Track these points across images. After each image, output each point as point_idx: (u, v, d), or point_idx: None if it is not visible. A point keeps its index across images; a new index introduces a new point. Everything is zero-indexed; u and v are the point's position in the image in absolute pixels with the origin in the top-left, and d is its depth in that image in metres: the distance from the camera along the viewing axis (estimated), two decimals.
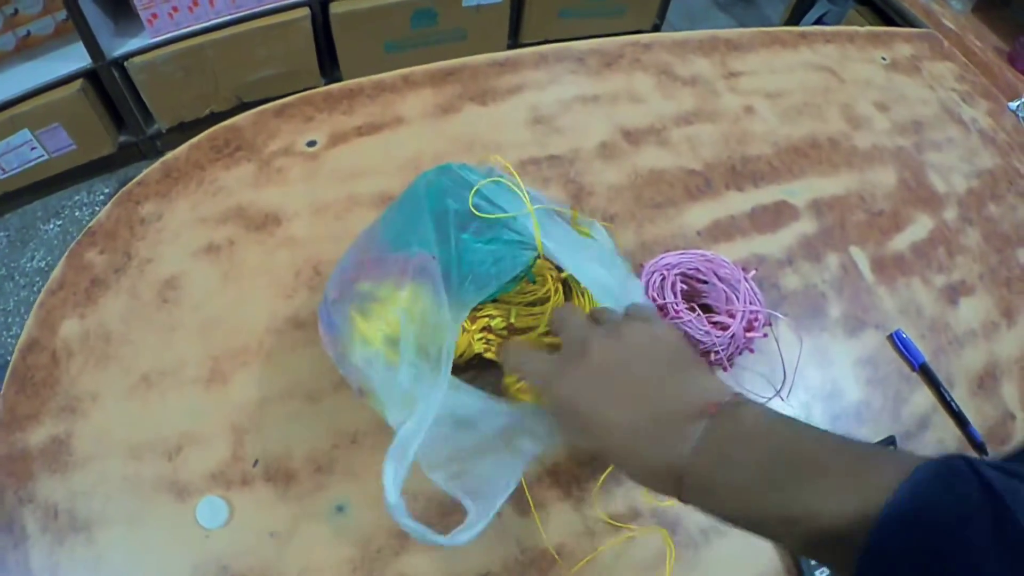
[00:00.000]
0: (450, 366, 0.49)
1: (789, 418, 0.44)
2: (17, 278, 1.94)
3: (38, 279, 1.93)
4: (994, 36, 1.63)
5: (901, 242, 0.96)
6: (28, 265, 1.96)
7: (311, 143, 0.88)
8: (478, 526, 0.48)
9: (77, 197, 2.09)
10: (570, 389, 0.47)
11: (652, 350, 0.48)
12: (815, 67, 1.17)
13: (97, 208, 2.05)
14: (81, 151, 1.98)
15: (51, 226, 2.04)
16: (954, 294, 0.93)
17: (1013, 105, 1.29)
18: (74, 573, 0.59)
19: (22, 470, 0.62)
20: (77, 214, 2.06)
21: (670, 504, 0.68)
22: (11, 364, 0.68)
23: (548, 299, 0.66)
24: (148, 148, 2.09)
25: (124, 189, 0.82)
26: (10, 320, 1.87)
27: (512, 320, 0.65)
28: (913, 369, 0.84)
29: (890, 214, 0.99)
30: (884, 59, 1.24)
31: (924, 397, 0.82)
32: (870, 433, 0.78)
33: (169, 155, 0.85)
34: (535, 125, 0.95)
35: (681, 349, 0.49)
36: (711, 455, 0.42)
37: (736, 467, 0.41)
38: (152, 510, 0.62)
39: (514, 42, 2.34)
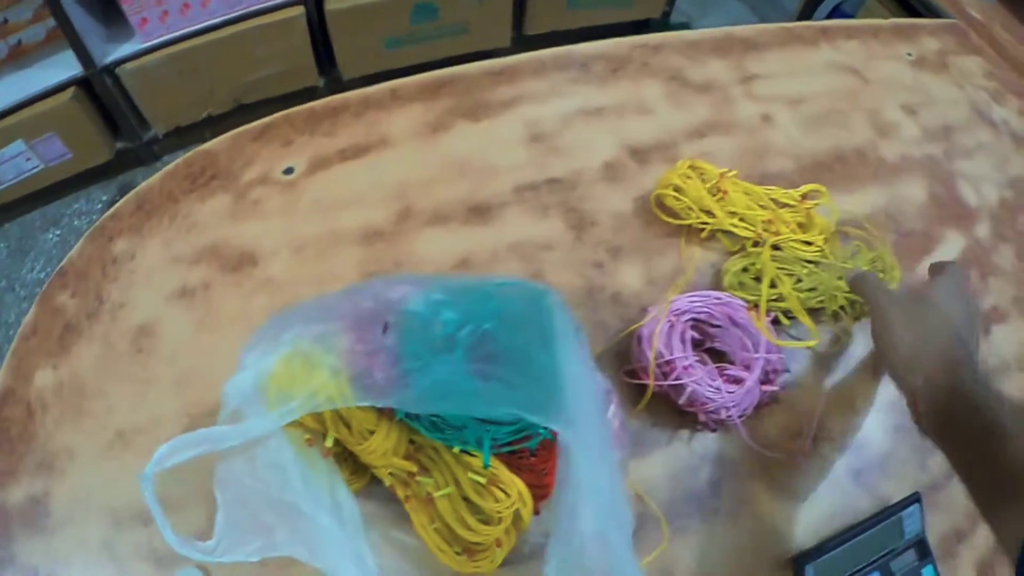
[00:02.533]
0: (290, 418, 0.48)
1: None
2: (18, 289, 1.92)
3: (39, 290, 1.90)
4: (1022, 27, 1.54)
5: None
6: (29, 276, 1.94)
7: (288, 171, 0.82)
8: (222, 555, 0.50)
9: (76, 205, 2.06)
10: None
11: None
12: (838, 67, 1.10)
13: (95, 216, 2.03)
14: (77, 159, 1.94)
15: (51, 235, 2.01)
16: (986, 322, 0.86)
17: None
18: None
19: (1, 530, 0.60)
20: (76, 223, 2.03)
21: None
22: None
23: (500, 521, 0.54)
24: (146, 154, 2.05)
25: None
26: (12, 333, 1.84)
27: (436, 496, 0.54)
28: None
29: (920, 233, 0.91)
30: (909, 55, 1.17)
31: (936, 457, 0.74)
32: (894, 488, 0.71)
33: (143, 185, 0.81)
34: (533, 144, 0.89)
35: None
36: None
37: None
38: None
39: (518, 35, 2.26)
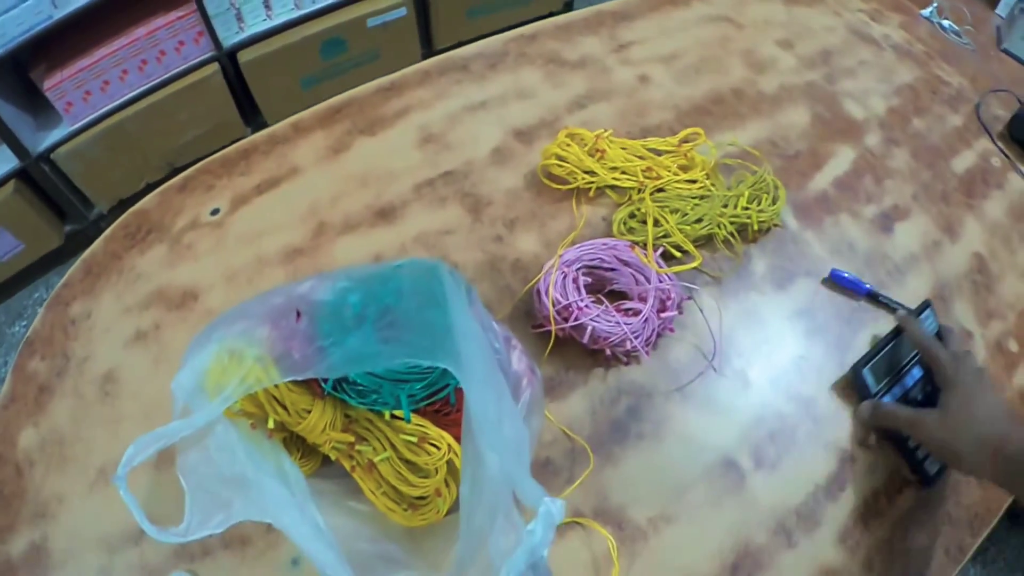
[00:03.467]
0: (227, 404, 0.53)
1: None
2: None
3: None
4: None
5: (822, 180, 0.96)
6: (3, 371, 1.94)
7: (215, 211, 0.88)
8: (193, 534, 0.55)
9: (36, 295, 2.09)
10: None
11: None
12: (710, 19, 1.17)
13: None
14: (30, 249, 1.97)
15: (17, 328, 2.03)
16: (887, 221, 0.92)
17: (926, 12, 1.29)
18: None
19: None
20: (39, 311, 2.04)
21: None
22: None
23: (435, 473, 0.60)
24: (95, 232, 2.08)
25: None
26: None
27: (376, 461, 0.60)
28: (860, 297, 0.85)
29: (807, 153, 0.98)
30: None
31: (866, 337, 0.82)
32: (813, 388, 0.78)
33: (87, 252, 0.87)
34: (425, 145, 0.95)
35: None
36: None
37: None
38: None
39: (428, 51, 2.32)
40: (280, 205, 0.89)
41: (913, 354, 0.79)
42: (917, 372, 0.78)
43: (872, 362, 0.77)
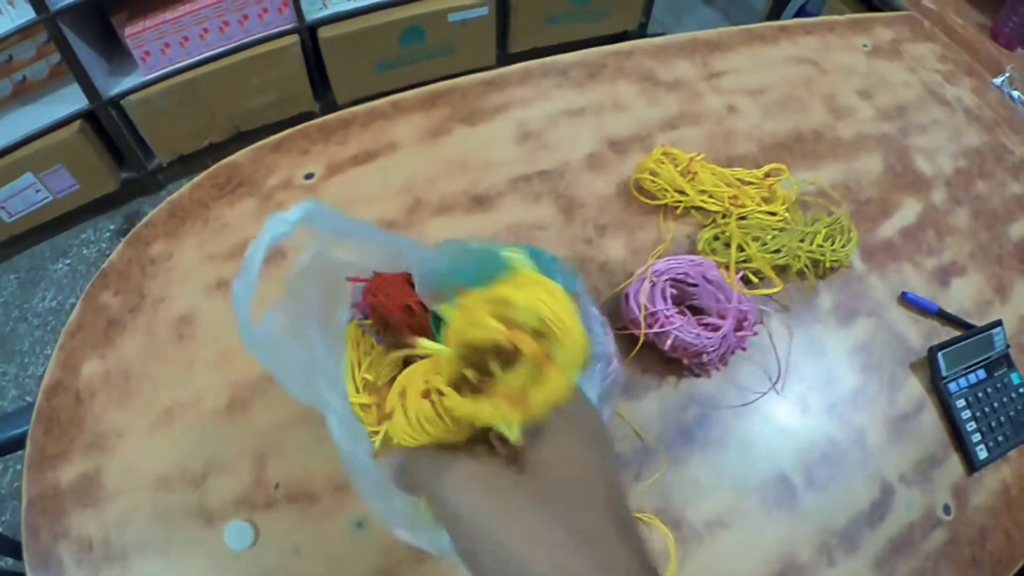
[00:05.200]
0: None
1: None
2: (31, 319, 1.98)
3: (51, 318, 1.97)
4: (975, 12, 1.63)
5: (889, 228, 0.98)
6: (40, 305, 2.00)
7: (308, 175, 0.91)
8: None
9: (84, 235, 2.12)
10: None
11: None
12: (796, 60, 1.19)
13: (104, 245, 2.09)
14: (84, 190, 2.01)
15: (60, 265, 2.07)
16: (945, 275, 0.95)
17: (998, 80, 1.31)
18: None
19: (55, 507, 0.65)
20: (85, 252, 2.09)
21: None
22: (36, 406, 0.71)
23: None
24: (150, 183, 2.12)
25: (133, 231, 0.85)
26: (27, 360, 1.90)
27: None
28: (931, 315, 0.90)
29: (878, 201, 1.01)
30: (865, 46, 1.26)
31: (917, 381, 0.85)
32: (866, 418, 0.80)
33: (174, 195, 0.88)
34: (523, 142, 0.98)
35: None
36: None
37: None
38: (182, 537, 0.65)
39: (502, 52, 2.35)
40: (376, 177, 0.92)
41: (986, 355, 0.85)
42: (982, 373, 0.85)
43: (949, 348, 0.84)
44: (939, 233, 0.99)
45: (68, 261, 2.08)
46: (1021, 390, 0.86)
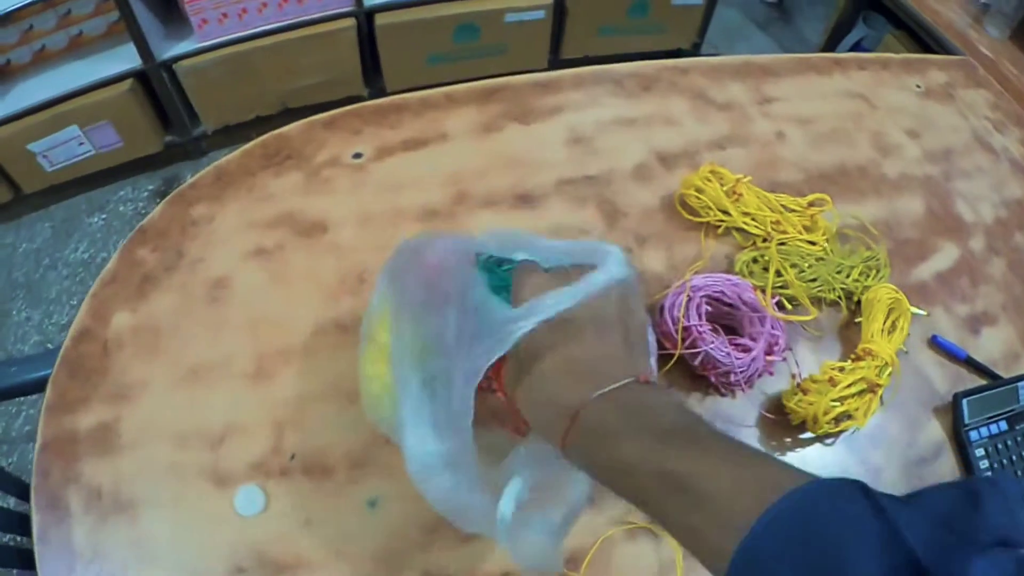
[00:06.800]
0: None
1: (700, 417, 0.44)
2: (60, 268, 2.01)
3: (80, 270, 2.00)
4: None
5: (926, 270, 0.97)
6: (72, 256, 2.04)
7: (357, 155, 0.92)
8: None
9: (121, 192, 2.15)
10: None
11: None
12: (848, 94, 1.19)
13: (141, 204, 2.12)
14: (127, 148, 2.04)
15: (95, 219, 2.11)
16: (976, 324, 0.94)
17: None
18: (115, 552, 0.62)
19: (69, 451, 0.66)
20: (121, 209, 2.13)
21: None
22: (62, 350, 0.73)
23: None
24: (193, 149, 2.15)
25: (177, 191, 0.86)
26: (52, 308, 1.93)
27: None
28: (959, 362, 0.89)
29: (916, 243, 1.00)
30: (919, 87, 1.25)
31: (938, 425, 0.84)
32: (883, 458, 0.80)
33: (222, 160, 0.90)
34: (573, 145, 0.99)
35: (636, 325, 0.50)
36: (616, 403, 0.43)
37: (638, 421, 0.42)
38: (193, 496, 0.66)
39: (555, 58, 2.36)
40: (424, 165, 0.93)
41: (1010, 408, 0.85)
42: (1004, 425, 0.84)
43: (974, 396, 0.84)
44: (973, 281, 0.98)
45: (104, 216, 2.11)
46: None
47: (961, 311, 0.94)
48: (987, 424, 0.83)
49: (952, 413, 0.84)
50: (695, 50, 2.55)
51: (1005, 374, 0.89)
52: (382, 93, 2.13)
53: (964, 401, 0.83)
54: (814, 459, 0.78)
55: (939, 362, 0.89)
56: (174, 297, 0.78)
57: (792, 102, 1.14)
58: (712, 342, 0.74)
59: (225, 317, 0.77)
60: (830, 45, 2.41)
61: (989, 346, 0.92)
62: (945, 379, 0.87)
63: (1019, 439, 0.84)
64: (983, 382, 0.88)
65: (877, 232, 0.98)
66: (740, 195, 0.91)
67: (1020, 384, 0.86)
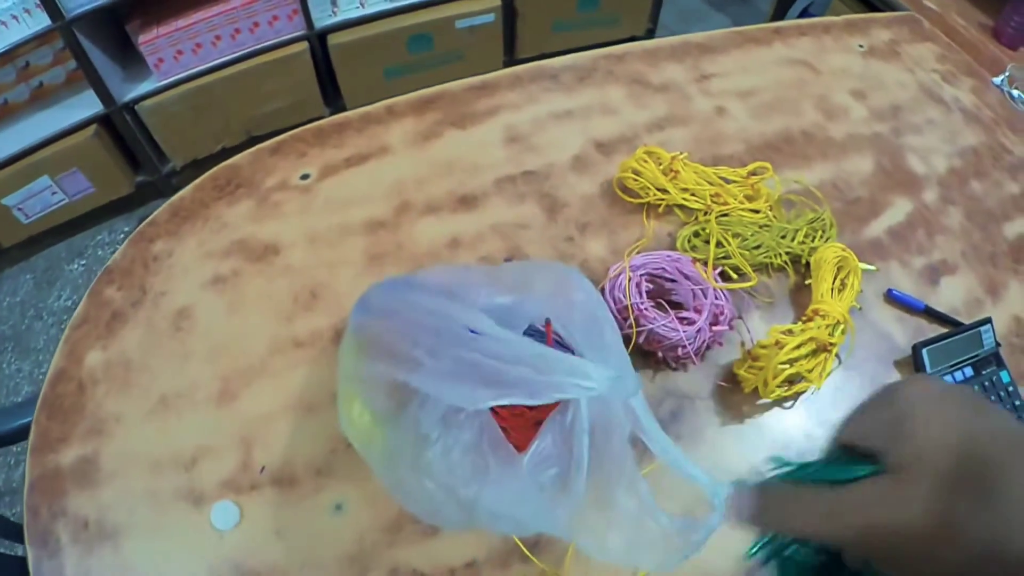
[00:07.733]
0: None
1: None
2: (46, 317, 2.02)
3: (65, 317, 2.01)
4: (978, 12, 1.62)
5: (877, 227, 0.98)
6: (55, 304, 2.05)
7: (304, 176, 0.94)
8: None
9: (99, 237, 2.17)
10: None
11: None
12: (790, 62, 1.20)
13: (119, 246, 2.10)
14: (100, 193, 2.05)
15: (75, 266, 2.12)
16: (934, 274, 0.95)
17: (998, 80, 1.30)
18: None
19: (55, 488, 0.69)
20: (100, 253, 2.14)
21: None
22: (41, 393, 0.75)
23: None
24: (165, 186, 2.16)
25: (137, 230, 0.90)
26: (41, 358, 1.94)
27: None
28: (917, 312, 0.90)
29: (867, 200, 1.01)
30: (861, 47, 1.26)
31: (901, 378, 0.84)
32: (843, 416, 0.79)
33: (176, 196, 0.92)
34: (511, 144, 1.01)
35: None
36: None
37: None
38: (172, 517, 0.68)
39: (510, 59, 2.38)
40: (367, 179, 0.95)
41: (974, 353, 0.85)
42: (969, 371, 0.85)
43: (935, 345, 0.84)
44: (929, 232, 0.99)
45: (84, 261, 2.12)
46: (1011, 388, 0.85)
47: (917, 263, 0.95)
48: (951, 372, 0.84)
49: (913, 365, 0.84)
50: (650, 36, 2.55)
51: (969, 321, 0.89)
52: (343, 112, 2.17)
53: (924, 351, 0.83)
54: (772, 424, 0.79)
55: (898, 316, 0.90)
56: (141, 332, 0.80)
57: (732, 77, 1.15)
58: (655, 319, 0.75)
59: (189, 346, 0.79)
60: (779, 15, 2.41)
61: (950, 295, 0.93)
62: (905, 332, 0.88)
63: (987, 384, 0.84)
64: (946, 331, 0.88)
65: (821, 195, 0.99)
66: (677, 172, 0.92)
67: (983, 328, 0.86)
